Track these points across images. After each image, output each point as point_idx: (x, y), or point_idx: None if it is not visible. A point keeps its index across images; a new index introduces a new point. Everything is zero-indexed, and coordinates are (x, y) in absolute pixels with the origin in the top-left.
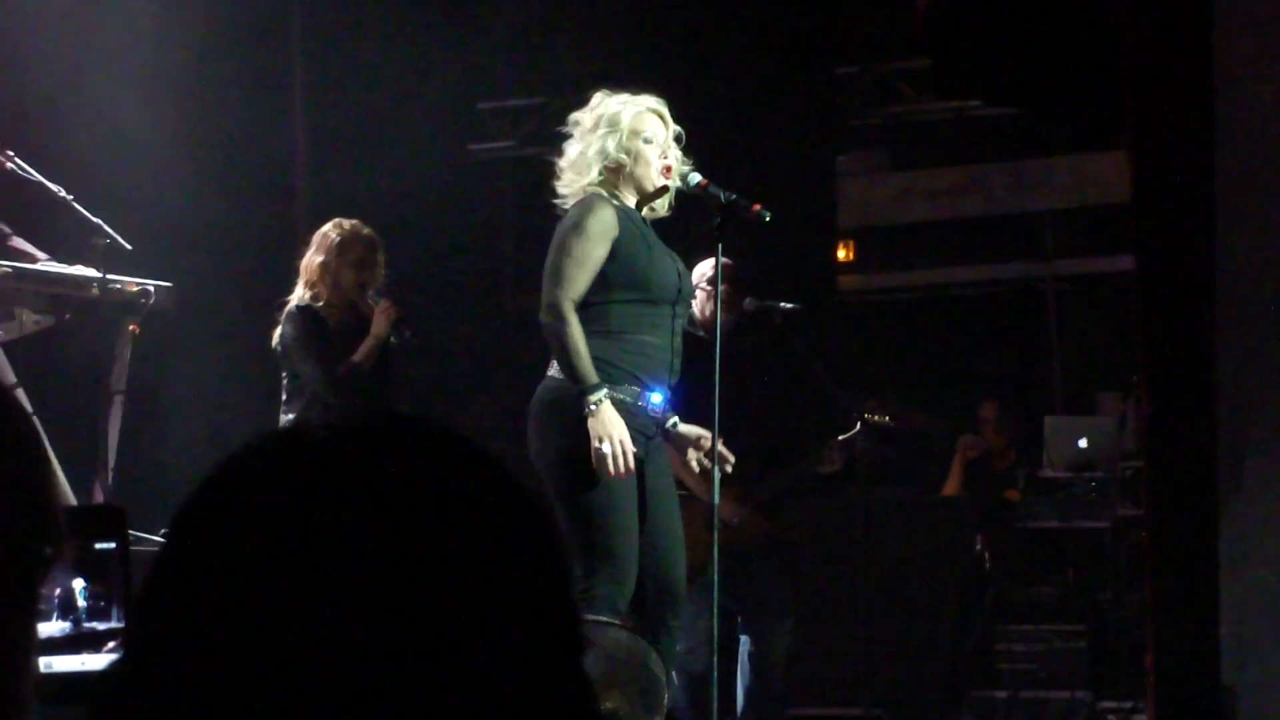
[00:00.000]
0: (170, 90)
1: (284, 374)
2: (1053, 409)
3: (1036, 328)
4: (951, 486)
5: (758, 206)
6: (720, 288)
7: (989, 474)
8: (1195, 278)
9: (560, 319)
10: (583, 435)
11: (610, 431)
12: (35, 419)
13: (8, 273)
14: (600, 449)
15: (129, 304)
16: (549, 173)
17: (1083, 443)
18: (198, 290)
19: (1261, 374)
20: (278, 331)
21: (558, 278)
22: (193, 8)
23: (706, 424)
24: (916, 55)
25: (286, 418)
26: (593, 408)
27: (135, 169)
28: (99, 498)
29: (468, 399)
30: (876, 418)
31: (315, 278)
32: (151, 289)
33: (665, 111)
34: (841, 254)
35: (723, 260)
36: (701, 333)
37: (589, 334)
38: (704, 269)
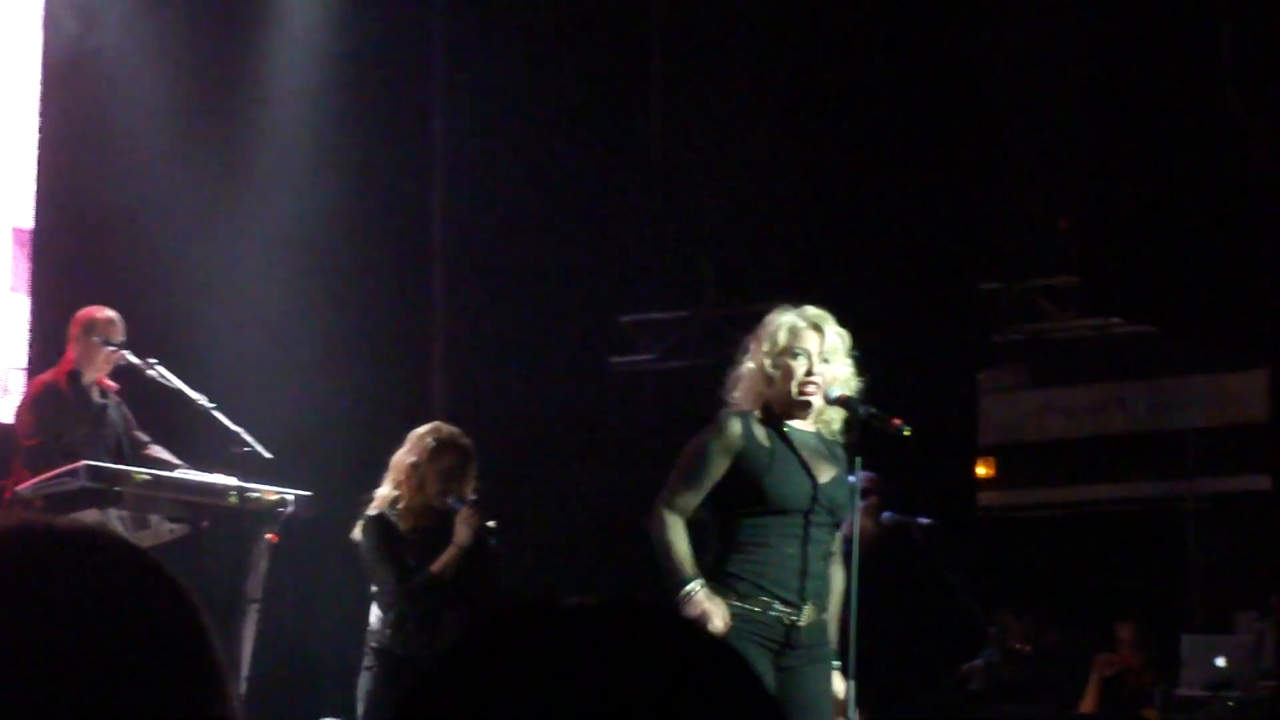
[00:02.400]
0: (310, 302)
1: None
2: (1191, 627)
3: (1175, 546)
4: (1089, 704)
5: (897, 421)
6: (861, 501)
7: (1126, 692)
8: None
9: (658, 521)
10: None
11: (700, 612)
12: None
13: (146, 480)
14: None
15: (267, 513)
16: (691, 385)
17: (1220, 661)
18: (336, 499)
19: None
20: (357, 533)
21: (670, 486)
22: (333, 219)
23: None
24: (1058, 272)
25: (372, 620)
26: (684, 598)
27: (275, 379)
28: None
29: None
30: (1017, 645)
31: (403, 477)
32: (290, 498)
33: (824, 323)
34: (982, 470)
35: (868, 474)
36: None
37: (720, 547)
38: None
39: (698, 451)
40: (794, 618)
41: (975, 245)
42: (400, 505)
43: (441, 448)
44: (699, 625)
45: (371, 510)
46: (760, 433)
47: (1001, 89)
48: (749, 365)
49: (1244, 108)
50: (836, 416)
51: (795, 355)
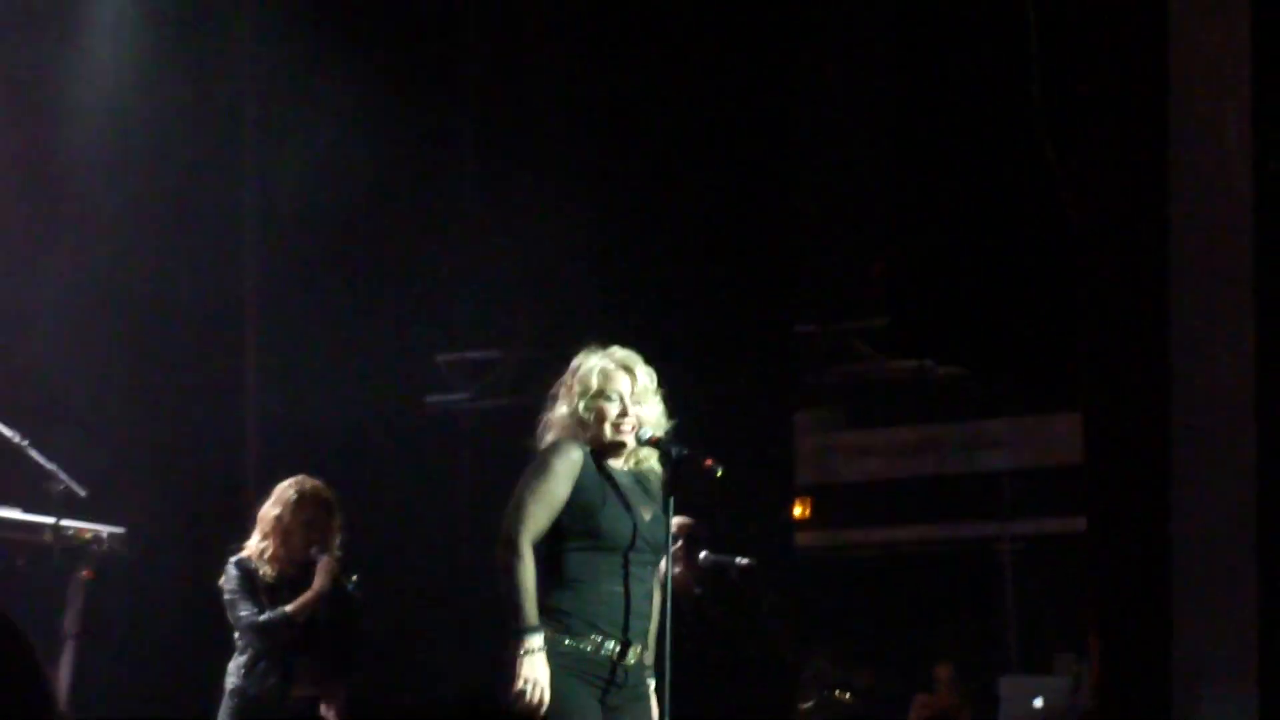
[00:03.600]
0: (121, 331)
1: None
2: (1008, 668)
3: (992, 587)
4: None
5: (710, 462)
6: (674, 545)
7: None
8: (1150, 539)
9: (513, 553)
10: (552, 682)
11: (534, 677)
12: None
13: None
14: (520, 689)
15: (82, 549)
16: (506, 425)
17: (1038, 702)
18: (150, 535)
19: (1213, 636)
20: (221, 579)
21: (518, 513)
22: (145, 255)
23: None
24: (873, 315)
25: (231, 665)
26: (524, 650)
27: (87, 415)
28: None
29: (427, 648)
30: (835, 693)
31: (268, 529)
32: (105, 534)
33: (634, 365)
34: (798, 510)
35: (682, 519)
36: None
37: (550, 585)
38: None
39: (544, 471)
40: (623, 656)
41: (791, 287)
42: (267, 555)
43: (303, 500)
44: None
45: (232, 556)
46: (592, 466)
47: (818, 129)
48: (562, 410)
49: (1055, 152)
50: (651, 455)
51: (608, 398)
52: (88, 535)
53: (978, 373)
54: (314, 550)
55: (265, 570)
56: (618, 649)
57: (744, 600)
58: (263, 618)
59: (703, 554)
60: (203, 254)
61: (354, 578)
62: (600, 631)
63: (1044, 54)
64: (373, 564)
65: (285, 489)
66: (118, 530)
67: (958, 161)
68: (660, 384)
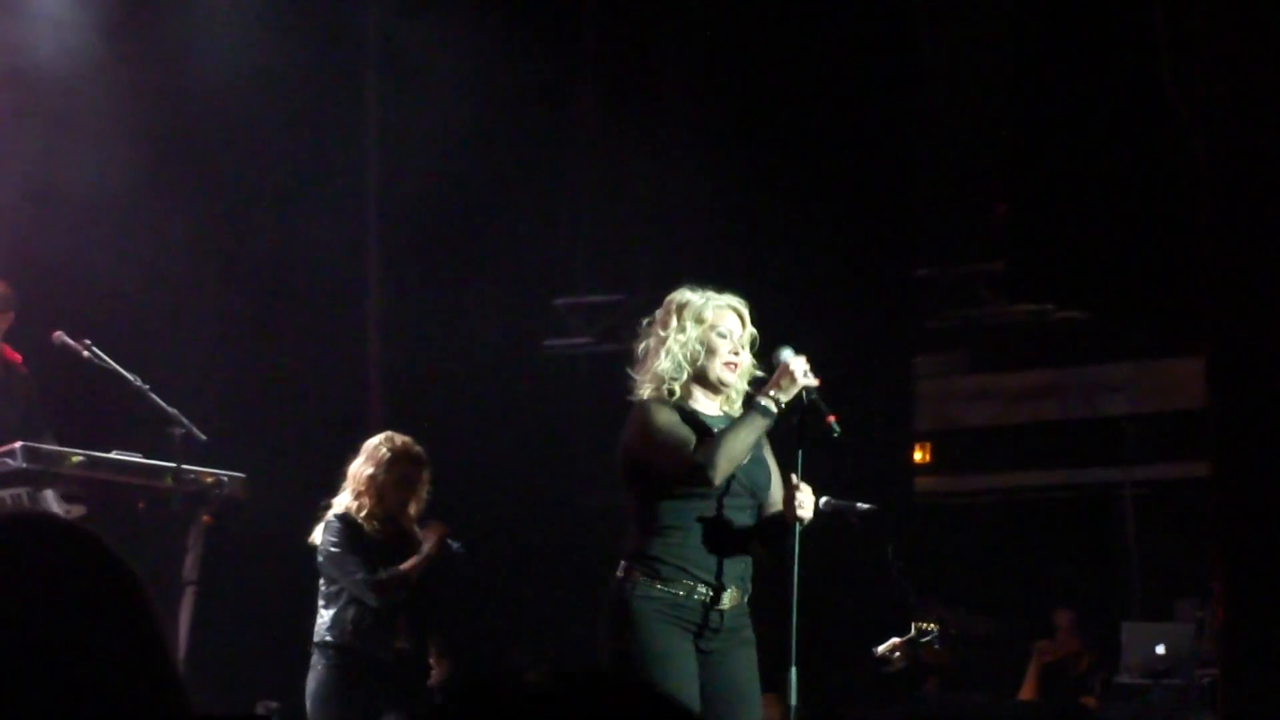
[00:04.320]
0: (244, 283)
1: (321, 578)
2: (1130, 614)
3: (1114, 533)
4: (1027, 691)
5: (832, 418)
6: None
7: (1065, 679)
8: (1272, 484)
9: (710, 461)
10: (630, 637)
11: (786, 374)
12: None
13: (82, 461)
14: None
15: (202, 494)
16: (625, 369)
17: (1160, 649)
18: (271, 480)
19: None
20: (318, 535)
21: (673, 457)
22: (267, 203)
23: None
24: (994, 258)
25: (324, 620)
26: (768, 406)
27: (210, 361)
28: None
29: (540, 595)
30: (926, 625)
31: (362, 488)
32: (225, 479)
33: (745, 312)
34: (918, 456)
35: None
36: None
37: (642, 532)
38: None
39: (658, 427)
40: (717, 601)
41: (912, 230)
42: (362, 515)
43: (396, 458)
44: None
45: (335, 511)
46: (679, 416)
47: (938, 73)
48: (675, 339)
49: (1179, 96)
50: (738, 398)
51: (721, 334)
52: (208, 480)
53: (1099, 317)
54: (416, 516)
55: (368, 526)
56: (710, 594)
57: (866, 546)
58: (383, 575)
59: (823, 499)
60: (324, 201)
61: (455, 545)
62: (693, 577)
63: None
64: (491, 509)
65: (377, 446)
66: (238, 475)
67: (1080, 103)
68: (790, 330)
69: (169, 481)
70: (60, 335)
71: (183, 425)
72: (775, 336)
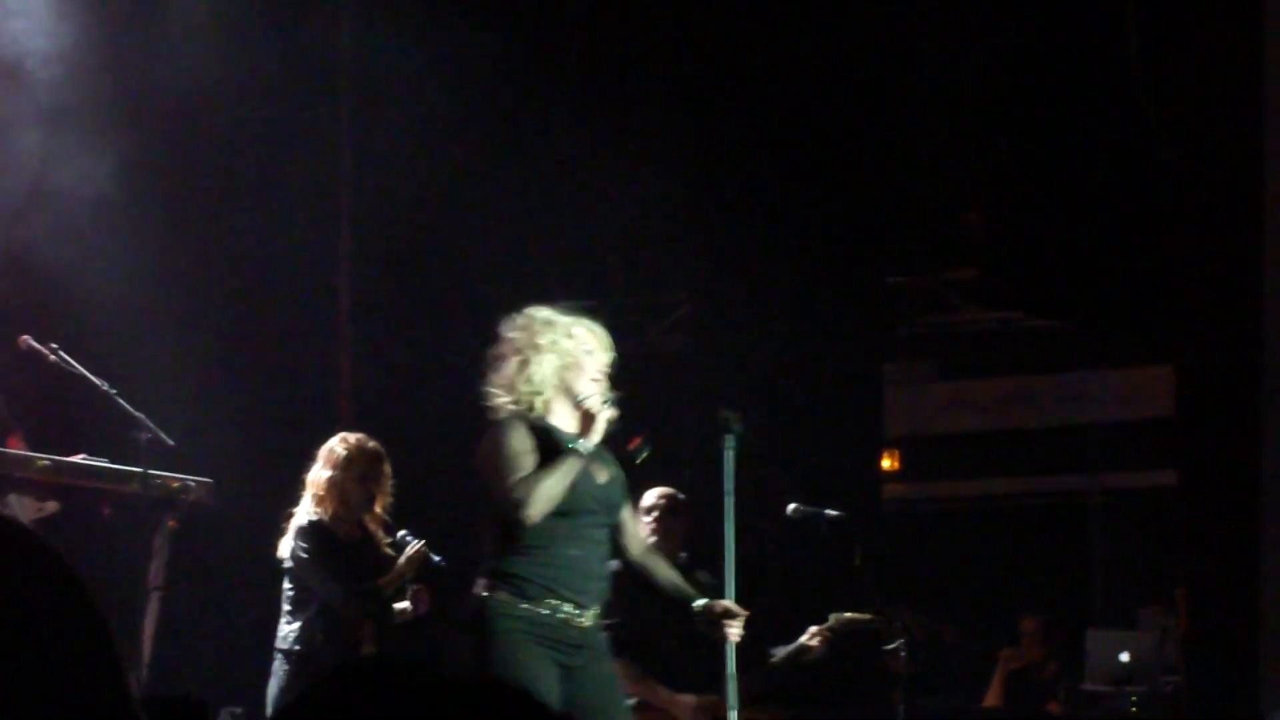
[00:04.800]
0: (213, 288)
1: (288, 584)
2: (1095, 622)
3: (1080, 540)
4: (992, 698)
5: (636, 441)
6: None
7: (1031, 686)
8: (1239, 494)
9: (525, 500)
10: (495, 654)
11: (588, 417)
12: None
13: (47, 465)
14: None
15: (168, 499)
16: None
17: (1124, 656)
18: (237, 486)
19: None
20: (286, 544)
21: (500, 489)
22: (238, 206)
23: None
24: (965, 266)
25: (290, 628)
26: (579, 447)
27: (176, 365)
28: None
29: None
30: (854, 618)
31: (323, 493)
32: (192, 484)
33: (603, 333)
34: (887, 463)
35: (662, 490)
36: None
37: (506, 551)
38: (646, 500)
39: (506, 450)
40: (581, 619)
41: (883, 237)
42: (326, 520)
43: (352, 456)
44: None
45: (307, 518)
46: (542, 435)
47: (907, 80)
48: (545, 354)
49: (1151, 105)
50: (598, 430)
51: (589, 352)
52: (174, 485)
53: (1069, 325)
54: (403, 534)
55: (338, 532)
56: (575, 611)
57: (834, 553)
58: (360, 589)
59: (792, 506)
60: (296, 209)
61: (437, 559)
62: (558, 595)
63: (1141, 6)
64: (461, 517)
65: (331, 449)
66: (205, 480)
67: (1052, 112)
68: (761, 338)
69: (135, 486)
70: (26, 339)
71: (149, 430)
72: (747, 342)
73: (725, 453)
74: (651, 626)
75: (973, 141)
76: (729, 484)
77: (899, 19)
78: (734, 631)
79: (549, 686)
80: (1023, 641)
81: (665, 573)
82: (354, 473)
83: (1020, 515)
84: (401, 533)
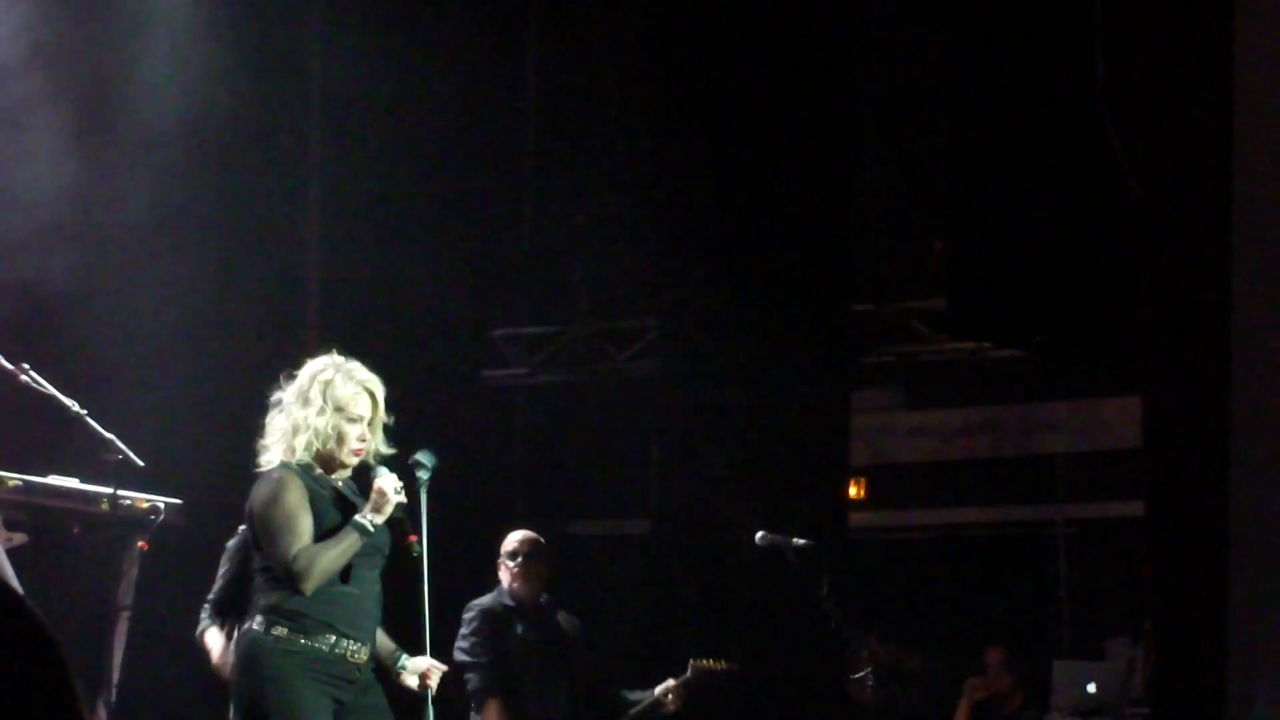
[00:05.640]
0: (184, 310)
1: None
2: (1061, 652)
3: (1046, 571)
4: None
5: (412, 538)
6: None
7: (997, 716)
8: (1207, 525)
9: (305, 573)
10: (270, 691)
11: (380, 494)
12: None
13: (18, 485)
14: (391, 497)
15: (139, 520)
16: (562, 401)
17: (1091, 687)
18: (208, 508)
19: (1272, 626)
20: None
21: (283, 551)
22: (207, 230)
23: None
24: (931, 295)
25: None
26: (366, 525)
27: (146, 387)
28: (103, 717)
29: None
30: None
31: None
32: (161, 506)
33: (377, 391)
34: (853, 491)
35: (528, 534)
36: (511, 603)
37: (284, 587)
38: (508, 544)
39: (283, 508)
40: (358, 655)
41: (848, 266)
42: None
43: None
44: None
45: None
46: (312, 483)
47: (876, 108)
48: (306, 421)
49: (1119, 137)
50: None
51: (352, 420)
52: (145, 506)
53: (1035, 355)
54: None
55: None
56: (352, 647)
57: (801, 581)
58: None
59: (759, 534)
60: (265, 229)
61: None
62: (335, 631)
63: (1109, 34)
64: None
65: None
66: (175, 502)
67: (1018, 141)
68: (728, 363)
69: (105, 507)
70: None
71: (120, 450)
72: (712, 371)
73: (419, 492)
74: (518, 668)
75: (938, 169)
76: (424, 525)
77: (865, 46)
78: (433, 684)
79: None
80: (989, 671)
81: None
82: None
83: (986, 545)
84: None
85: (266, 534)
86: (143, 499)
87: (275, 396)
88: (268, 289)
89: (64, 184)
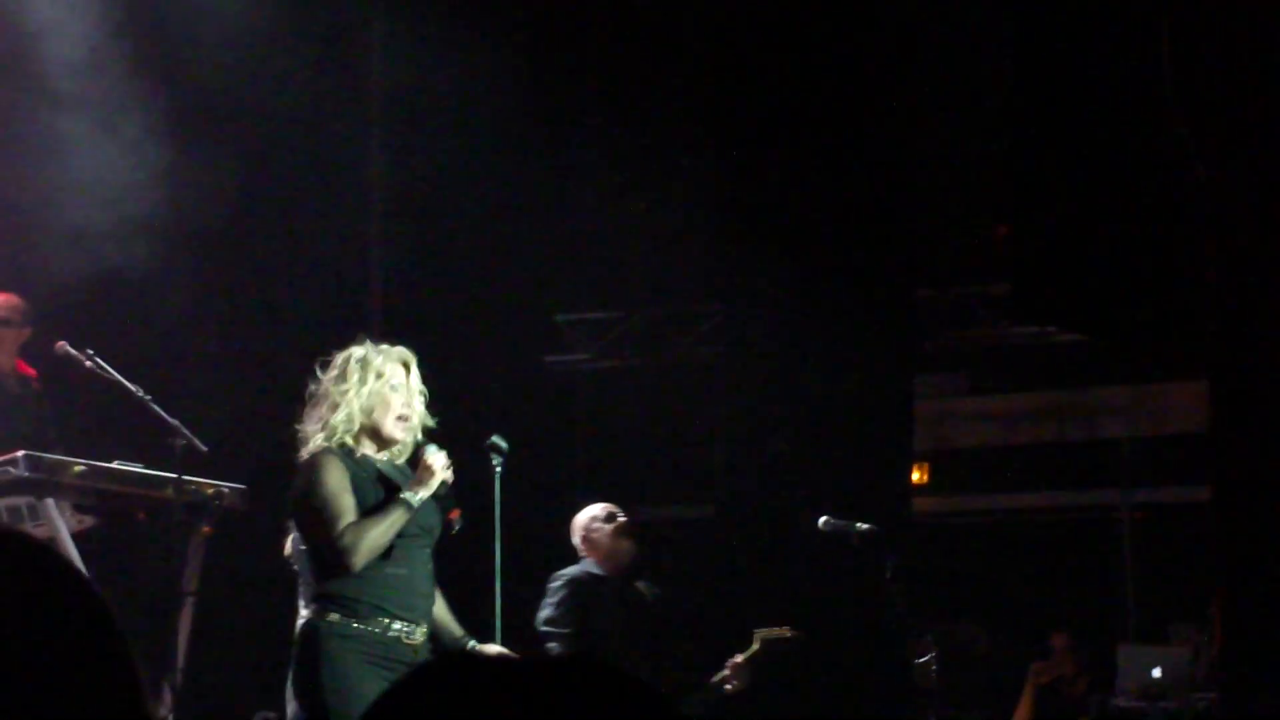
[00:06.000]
0: (247, 295)
1: (300, 583)
2: (1126, 637)
3: (1111, 555)
4: (1022, 713)
5: (454, 514)
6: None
7: (1061, 701)
8: (1272, 509)
9: (352, 548)
10: (327, 675)
11: (427, 470)
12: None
13: (84, 470)
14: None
15: (203, 505)
16: (625, 385)
17: (1156, 672)
18: (271, 492)
19: None
20: (289, 542)
21: (325, 531)
22: (269, 215)
23: None
24: (994, 280)
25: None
26: (412, 501)
27: (211, 373)
28: (168, 700)
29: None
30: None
31: None
32: (226, 490)
33: (412, 363)
34: (916, 476)
35: (613, 507)
36: (599, 572)
37: (335, 574)
38: (595, 514)
39: (325, 489)
40: (411, 637)
41: (913, 251)
42: None
43: None
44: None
45: None
46: (352, 465)
47: (939, 93)
48: (346, 397)
49: (1185, 122)
50: (407, 449)
51: (393, 388)
52: (209, 491)
53: (1099, 339)
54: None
55: None
56: (406, 629)
57: (865, 567)
58: None
59: (823, 519)
60: (328, 219)
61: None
62: (389, 615)
63: (1174, 16)
64: (488, 526)
65: None
66: (239, 487)
67: (1084, 125)
68: (789, 350)
69: (169, 492)
70: (63, 345)
71: (184, 436)
72: (775, 353)
73: (495, 476)
74: (603, 639)
75: (1003, 155)
76: (498, 508)
77: (929, 31)
78: None
79: None
80: (1053, 656)
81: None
82: None
83: (1051, 529)
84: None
85: (310, 517)
86: (207, 484)
87: (310, 389)
88: (332, 278)
89: (141, 178)
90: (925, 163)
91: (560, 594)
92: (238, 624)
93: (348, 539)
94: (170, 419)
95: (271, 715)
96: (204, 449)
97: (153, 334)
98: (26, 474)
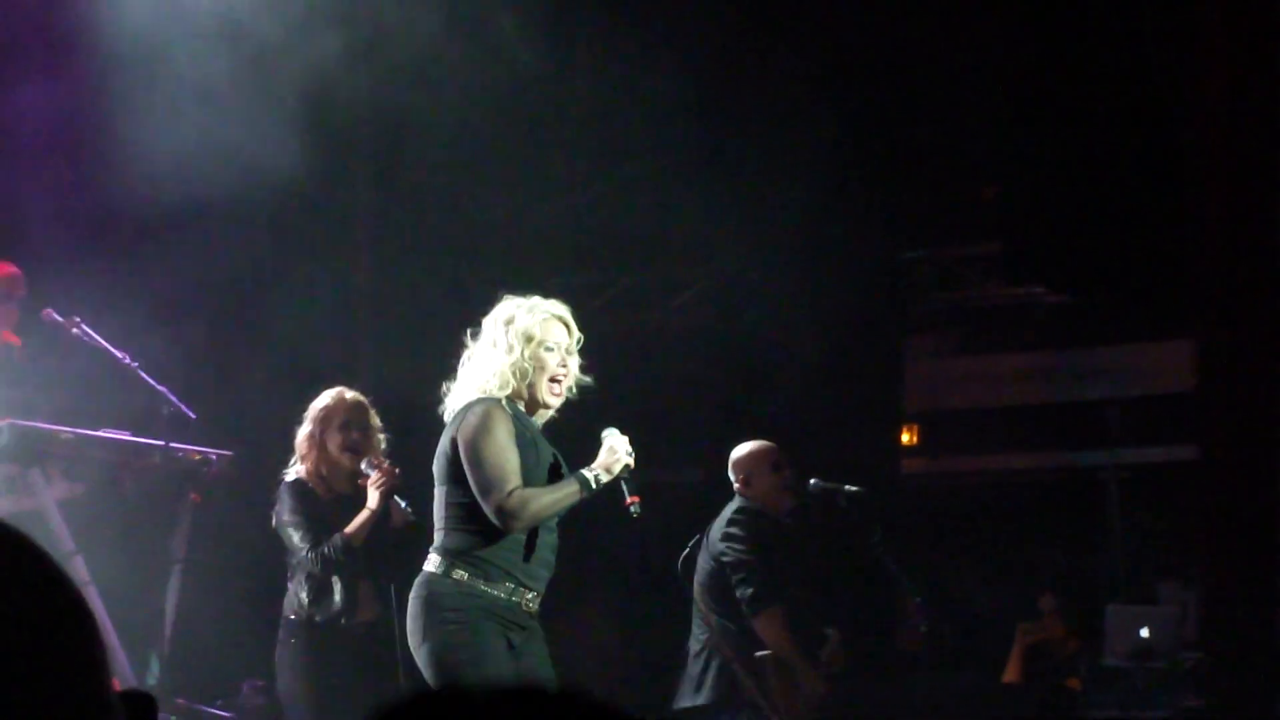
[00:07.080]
0: (234, 264)
1: (287, 551)
2: (1114, 597)
3: (1099, 515)
4: (1012, 673)
5: (632, 500)
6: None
7: (1050, 661)
8: (1258, 469)
9: (516, 513)
10: (454, 633)
11: (611, 454)
12: (92, 588)
13: (70, 439)
14: (619, 446)
15: (191, 472)
16: (609, 351)
17: (1144, 632)
18: (258, 459)
19: None
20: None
21: (491, 485)
22: (262, 187)
23: None
24: (983, 241)
25: (288, 591)
26: (591, 481)
27: (199, 339)
28: (155, 667)
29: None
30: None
31: (304, 450)
32: (214, 457)
33: (569, 318)
34: (905, 437)
35: (767, 444)
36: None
37: (469, 531)
38: (760, 451)
39: (495, 441)
40: (532, 603)
41: (902, 212)
42: (312, 477)
43: (331, 407)
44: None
45: (285, 478)
46: (518, 422)
47: (927, 54)
48: (499, 362)
49: (1171, 78)
50: (550, 411)
51: (549, 349)
52: (196, 458)
53: (1087, 300)
54: (365, 463)
55: (319, 490)
56: (528, 596)
57: (853, 528)
58: (323, 547)
59: (811, 481)
60: (315, 184)
61: (404, 505)
62: (515, 579)
63: None
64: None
65: (313, 405)
66: (226, 453)
67: (1072, 87)
68: (780, 312)
69: (157, 459)
70: (49, 312)
71: (171, 403)
72: (765, 317)
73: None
74: (786, 576)
75: (991, 116)
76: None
77: None
78: None
79: (503, 666)
80: (1042, 617)
81: None
82: (334, 423)
83: (1039, 490)
84: (364, 462)
85: (476, 466)
86: (194, 451)
87: (464, 356)
88: (322, 243)
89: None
90: (914, 124)
91: (748, 527)
92: (227, 591)
93: (514, 501)
94: (158, 385)
95: (259, 683)
96: (191, 416)
97: (144, 302)
98: (11, 442)
